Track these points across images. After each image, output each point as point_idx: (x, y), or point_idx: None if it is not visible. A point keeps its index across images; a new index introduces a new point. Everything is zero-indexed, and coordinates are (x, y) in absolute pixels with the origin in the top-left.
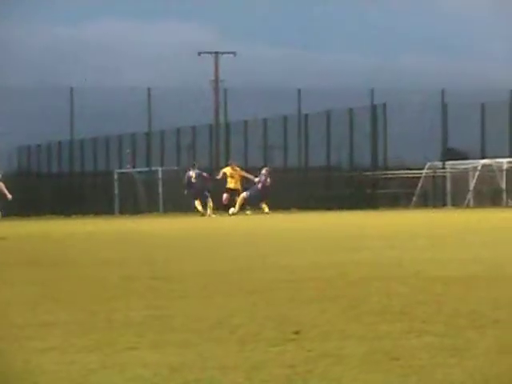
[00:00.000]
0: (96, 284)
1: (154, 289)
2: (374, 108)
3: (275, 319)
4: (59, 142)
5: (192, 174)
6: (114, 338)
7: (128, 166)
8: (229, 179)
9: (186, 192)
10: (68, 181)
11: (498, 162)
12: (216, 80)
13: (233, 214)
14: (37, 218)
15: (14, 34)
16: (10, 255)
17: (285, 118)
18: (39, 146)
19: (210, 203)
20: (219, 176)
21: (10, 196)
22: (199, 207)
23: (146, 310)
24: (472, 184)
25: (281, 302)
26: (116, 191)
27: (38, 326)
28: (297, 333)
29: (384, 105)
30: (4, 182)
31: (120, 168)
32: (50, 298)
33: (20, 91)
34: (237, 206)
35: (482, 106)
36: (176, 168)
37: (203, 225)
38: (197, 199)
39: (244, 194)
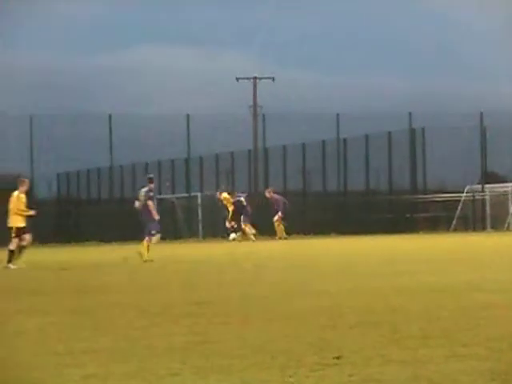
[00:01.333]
0: (136, 310)
1: (195, 314)
2: (412, 132)
3: (316, 344)
4: (98, 169)
5: (242, 198)
6: (156, 365)
7: (167, 185)
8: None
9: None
10: (107, 207)
11: None
12: (254, 105)
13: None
14: (76, 244)
15: (53, 61)
16: (50, 283)
17: (323, 143)
18: (78, 172)
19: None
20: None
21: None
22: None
23: (188, 335)
24: None
25: (321, 328)
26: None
27: (79, 354)
28: (338, 358)
29: (423, 129)
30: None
31: (159, 194)
32: (89, 326)
33: (59, 118)
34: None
35: None
36: (215, 193)
37: (242, 249)
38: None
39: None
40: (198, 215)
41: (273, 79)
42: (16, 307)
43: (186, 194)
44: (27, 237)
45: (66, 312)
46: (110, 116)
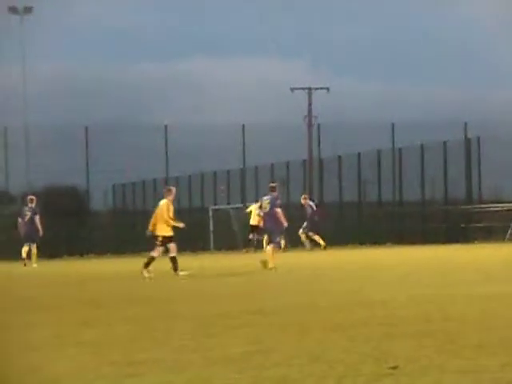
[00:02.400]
0: (192, 321)
1: (252, 324)
2: (467, 141)
3: (372, 354)
4: (154, 180)
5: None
6: (213, 375)
7: (222, 192)
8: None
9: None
10: None
11: None
12: (309, 115)
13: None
14: (132, 255)
15: (108, 71)
16: (107, 294)
17: (378, 152)
18: (134, 183)
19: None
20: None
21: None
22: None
23: (245, 345)
24: None
25: (377, 337)
26: (211, 227)
27: (138, 364)
28: (394, 368)
29: (478, 138)
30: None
31: (215, 204)
32: (146, 336)
33: (115, 129)
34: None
35: None
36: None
37: (297, 259)
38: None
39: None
40: None
41: (327, 89)
42: (75, 318)
43: (241, 205)
44: (172, 246)
45: (123, 322)
46: (165, 127)
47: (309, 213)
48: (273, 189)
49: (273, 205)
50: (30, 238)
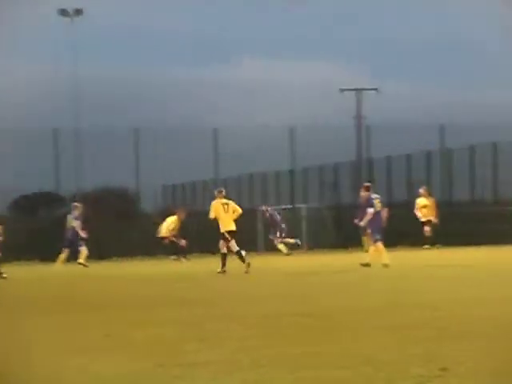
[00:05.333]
0: (242, 322)
1: (303, 326)
2: None
3: (421, 356)
4: (203, 181)
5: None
6: (263, 376)
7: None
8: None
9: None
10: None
11: None
12: (358, 116)
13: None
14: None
15: (155, 74)
16: (156, 295)
17: (428, 154)
18: (183, 184)
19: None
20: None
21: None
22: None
23: (296, 347)
24: None
25: (426, 339)
26: (260, 229)
27: (186, 366)
28: (443, 370)
29: None
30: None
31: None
32: (195, 338)
33: (164, 132)
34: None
35: None
36: (319, 205)
37: (347, 261)
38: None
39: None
40: (302, 227)
41: (376, 90)
42: (125, 319)
43: (290, 206)
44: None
45: (172, 323)
46: (215, 129)
47: (276, 220)
48: (367, 188)
49: (371, 204)
50: (72, 244)
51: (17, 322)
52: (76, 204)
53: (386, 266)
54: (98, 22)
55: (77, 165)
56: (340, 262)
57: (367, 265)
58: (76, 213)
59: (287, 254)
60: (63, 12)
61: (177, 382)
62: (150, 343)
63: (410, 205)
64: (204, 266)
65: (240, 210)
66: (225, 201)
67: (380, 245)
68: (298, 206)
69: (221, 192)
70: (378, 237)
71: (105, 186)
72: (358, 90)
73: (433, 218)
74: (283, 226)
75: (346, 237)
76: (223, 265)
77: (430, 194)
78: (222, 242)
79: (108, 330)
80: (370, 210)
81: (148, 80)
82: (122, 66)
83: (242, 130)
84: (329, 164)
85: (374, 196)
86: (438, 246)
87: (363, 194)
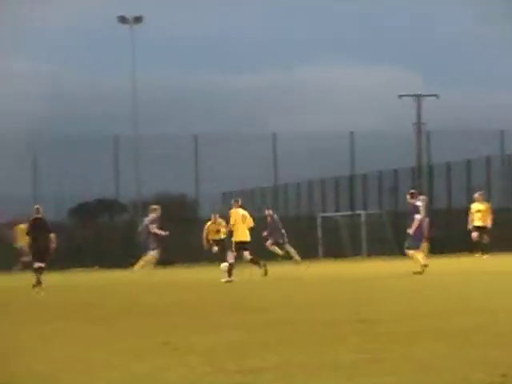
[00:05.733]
0: (302, 328)
1: (361, 332)
2: None
3: (482, 362)
4: (262, 188)
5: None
6: (323, 383)
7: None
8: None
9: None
10: None
11: None
12: (418, 122)
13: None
14: (241, 262)
15: (214, 80)
16: (216, 300)
17: (488, 159)
18: (242, 191)
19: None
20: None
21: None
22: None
23: (355, 353)
24: None
25: (485, 345)
26: (319, 235)
27: (248, 372)
28: (504, 375)
29: None
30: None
31: (323, 212)
32: (257, 343)
33: (224, 138)
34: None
35: None
36: (379, 211)
37: (404, 267)
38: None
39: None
40: (361, 233)
41: (436, 96)
42: (185, 324)
43: (349, 212)
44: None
45: (232, 329)
46: (273, 134)
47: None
48: (414, 195)
49: (418, 211)
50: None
51: (76, 328)
52: (154, 206)
53: (418, 273)
54: (157, 29)
55: (136, 172)
56: (397, 269)
57: (420, 272)
58: (153, 215)
59: (297, 262)
60: (123, 19)
61: None
62: (211, 349)
63: (469, 211)
64: (257, 271)
65: (252, 224)
66: (242, 211)
67: (417, 252)
68: (357, 212)
69: (237, 202)
70: (417, 244)
71: (164, 193)
72: (417, 96)
73: (487, 224)
74: (283, 231)
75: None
76: (229, 275)
77: (485, 200)
78: (230, 253)
79: (168, 336)
80: (417, 217)
81: (206, 87)
82: (181, 73)
83: (301, 136)
84: (388, 170)
85: (419, 203)
86: (479, 254)
87: (410, 201)
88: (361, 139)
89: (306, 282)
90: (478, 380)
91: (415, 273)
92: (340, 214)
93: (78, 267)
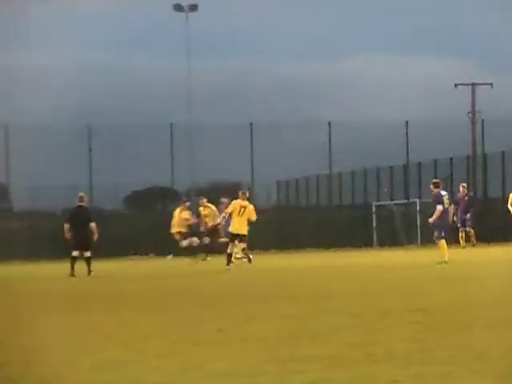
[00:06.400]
0: (355, 317)
1: (415, 321)
2: None
3: None
4: (317, 176)
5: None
6: (375, 372)
7: (385, 190)
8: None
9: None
10: (326, 214)
11: None
12: (473, 111)
13: None
14: (296, 251)
15: (269, 68)
16: (267, 290)
17: None
18: (297, 180)
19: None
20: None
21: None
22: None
23: (408, 342)
24: None
25: None
26: (374, 224)
27: (301, 360)
28: None
29: None
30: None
31: (378, 201)
32: (308, 332)
33: (279, 126)
34: None
35: None
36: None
37: (457, 256)
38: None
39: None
40: (416, 222)
41: (491, 85)
42: (239, 313)
43: (404, 201)
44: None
45: (283, 318)
46: (329, 123)
47: None
48: (436, 185)
49: (440, 201)
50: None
51: (133, 316)
52: (223, 200)
53: (445, 262)
54: (212, 17)
55: (191, 160)
56: (453, 256)
57: (443, 262)
58: (223, 207)
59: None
60: (178, 7)
61: (290, 376)
62: (264, 337)
63: None
64: (316, 260)
65: (254, 218)
66: (245, 203)
67: (443, 242)
68: (412, 200)
69: (244, 194)
70: (443, 234)
71: (219, 181)
72: (472, 85)
73: None
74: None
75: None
76: (228, 262)
77: None
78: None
79: (222, 324)
80: (439, 207)
81: (260, 75)
82: (235, 62)
83: (357, 125)
84: (443, 159)
85: (443, 193)
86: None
87: (434, 190)
88: (416, 128)
89: (358, 271)
90: None
91: (439, 263)
92: (395, 203)
93: (134, 255)
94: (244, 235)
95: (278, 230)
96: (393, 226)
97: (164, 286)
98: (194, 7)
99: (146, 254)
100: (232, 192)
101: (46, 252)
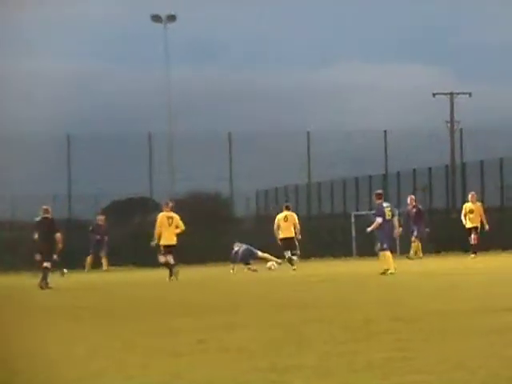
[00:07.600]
0: (338, 326)
1: (395, 330)
2: None
3: None
4: (296, 186)
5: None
6: (357, 381)
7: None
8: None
9: None
10: (305, 224)
11: None
12: (451, 121)
13: None
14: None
15: (246, 79)
16: (249, 299)
17: None
18: (276, 189)
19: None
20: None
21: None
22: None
23: (389, 351)
24: None
25: None
26: (353, 233)
27: (283, 370)
28: None
29: None
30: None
31: (357, 210)
32: (291, 342)
33: (257, 136)
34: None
35: None
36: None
37: (437, 266)
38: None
39: None
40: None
41: (470, 94)
42: (218, 323)
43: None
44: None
45: (267, 327)
46: (308, 133)
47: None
48: (381, 196)
49: (392, 213)
50: None
51: (112, 327)
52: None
53: (391, 273)
54: (191, 28)
55: (170, 170)
56: (430, 267)
57: (384, 273)
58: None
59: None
60: (156, 18)
61: None
62: (245, 347)
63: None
64: (304, 270)
65: (183, 227)
66: (170, 214)
67: (387, 253)
68: None
69: (167, 205)
70: (386, 246)
71: (198, 191)
72: (451, 94)
73: (480, 225)
74: None
75: (438, 242)
76: (170, 274)
77: (477, 200)
78: (161, 256)
79: (202, 334)
80: (378, 220)
81: (239, 84)
82: (214, 71)
83: (335, 134)
84: (422, 168)
85: (385, 204)
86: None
87: (376, 201)
88: (394, 138)
89: (339, 280)
90: (511, 377)
91: (382, 273)
92: (373, 212)
93: (112, 265)
94: (174, 245)
95: (258, 239)
96: (372, 236)
97: (142, 296)
98: (172, 18)
99: (123, 265)
100: (211, 201)
101: (26, 263)
